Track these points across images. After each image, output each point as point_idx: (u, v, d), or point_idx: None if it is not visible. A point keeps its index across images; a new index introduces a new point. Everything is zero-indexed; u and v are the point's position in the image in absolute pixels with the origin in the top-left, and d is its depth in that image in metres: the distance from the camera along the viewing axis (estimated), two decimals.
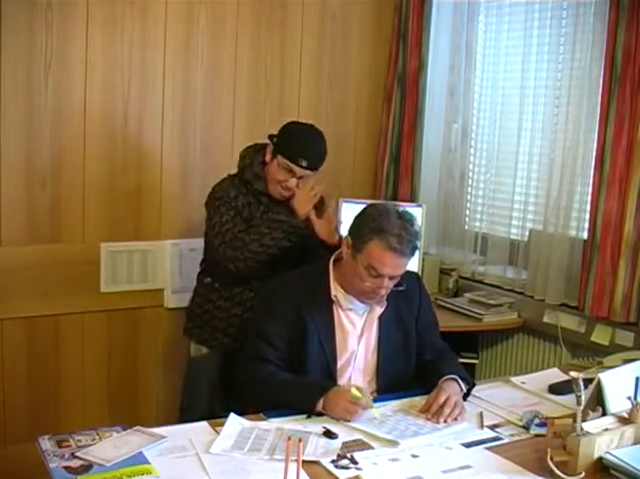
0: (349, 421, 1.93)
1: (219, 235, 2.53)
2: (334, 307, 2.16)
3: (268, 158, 2.60)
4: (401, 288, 2.12)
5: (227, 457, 1.72)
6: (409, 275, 2.20)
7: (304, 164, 2.54)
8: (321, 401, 1.96)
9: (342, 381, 2.15)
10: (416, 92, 3.62)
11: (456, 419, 1.97)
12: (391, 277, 2.06)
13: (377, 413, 1.94)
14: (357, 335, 2.18)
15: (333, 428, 1.89)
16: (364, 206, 2.15)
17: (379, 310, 2.18)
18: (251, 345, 2.17)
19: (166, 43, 3.17)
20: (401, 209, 2.10)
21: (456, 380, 2.08)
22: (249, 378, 2.12)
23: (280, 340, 2.13)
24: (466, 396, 2.12)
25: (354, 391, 1.93)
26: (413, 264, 3.07)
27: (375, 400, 2.00)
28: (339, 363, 2.16)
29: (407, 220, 2.04)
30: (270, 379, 2.08)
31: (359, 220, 2.11)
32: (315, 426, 1.90)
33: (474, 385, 2.20)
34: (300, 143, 2.58)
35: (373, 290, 2.07)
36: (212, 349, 2.74)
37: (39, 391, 3.08)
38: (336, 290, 2.16)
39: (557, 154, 3.10)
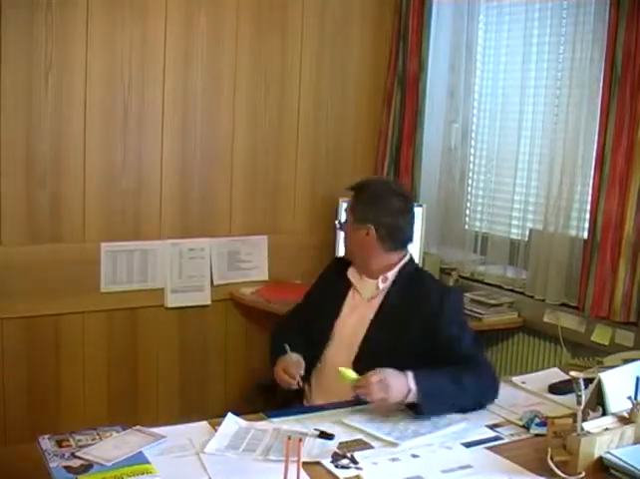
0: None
1: None
2: (350, 290, 2.32)
3: None
4: None
5: (228, 457, 1.72)
6: (438, 291, 2.21)
7: None
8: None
9: (327, 350, 2.28)
10: (416, 92, 3.62)
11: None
12: None
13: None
14: (352, 314, 2.29)
15: (331, 429, 1.87)
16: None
17: (379, 299, 2.24)
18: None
19: (166, 43, 3.17)
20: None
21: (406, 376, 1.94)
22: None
23: (309, 297, 2.46)
24: (418, 408, 1.95)
25: (343, 371, 2.00)
26: None
27: None
28: (331, 333, 2.30)
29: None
30: (275, 337, 2.39)
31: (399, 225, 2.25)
32: (313, 427, 1.88)
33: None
34: None
35: None
36: None
37: (39, 391, 3.08)
38: (352, 277, 2.33)
39: (557, 154, 3.10)
